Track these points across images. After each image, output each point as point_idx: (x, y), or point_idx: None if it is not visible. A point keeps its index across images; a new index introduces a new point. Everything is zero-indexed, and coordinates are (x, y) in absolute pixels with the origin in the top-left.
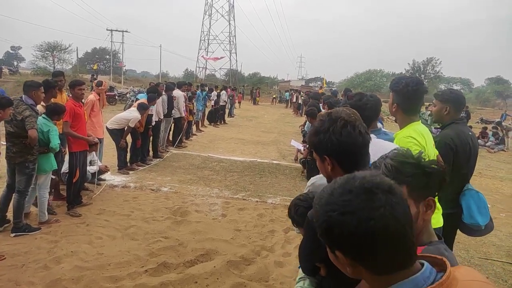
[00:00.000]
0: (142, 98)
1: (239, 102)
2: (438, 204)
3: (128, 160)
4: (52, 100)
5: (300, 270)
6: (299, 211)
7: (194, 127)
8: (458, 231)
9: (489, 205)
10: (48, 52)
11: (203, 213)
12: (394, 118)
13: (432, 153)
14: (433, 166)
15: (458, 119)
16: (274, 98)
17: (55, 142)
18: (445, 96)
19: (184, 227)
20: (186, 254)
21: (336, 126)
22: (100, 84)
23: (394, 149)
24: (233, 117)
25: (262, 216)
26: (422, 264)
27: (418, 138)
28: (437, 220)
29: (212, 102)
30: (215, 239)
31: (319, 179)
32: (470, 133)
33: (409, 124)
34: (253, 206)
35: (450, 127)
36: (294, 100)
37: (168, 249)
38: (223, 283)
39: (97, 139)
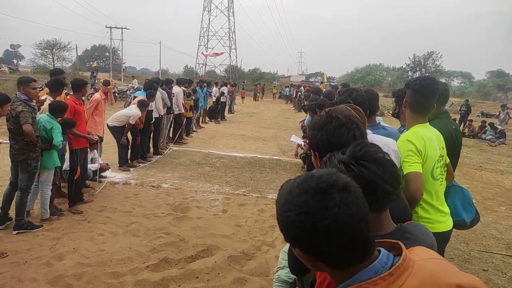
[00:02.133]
0: (140, 96)
1: (243, 97)
2: (446, 208)
3: (128, 157)
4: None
5: (280, 259)
6: None
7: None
8: None
9: (489, 198)
10: (47, 50)
11: (204, 209)
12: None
13: (434, 156)
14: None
15: (441, 113)
16: (275, 93)
17: (58, 139)
18: None
19: (185, 223)
20: (187, 250)
21: (330, 125)
22: (107, 83)
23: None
24: (233, 113)
25: (262, 211)
26: (379, 251)
27: (416, 143)
28: (444, 223)
29: (214, 99)
30: (216, 234)
31: None
32: (454, 126)
33: (414, 126)
34: (253, 202)
35: (433, 122)
36: (294, 95)
37: (170, 245)
38: (224, 278)
39: (97, 137)
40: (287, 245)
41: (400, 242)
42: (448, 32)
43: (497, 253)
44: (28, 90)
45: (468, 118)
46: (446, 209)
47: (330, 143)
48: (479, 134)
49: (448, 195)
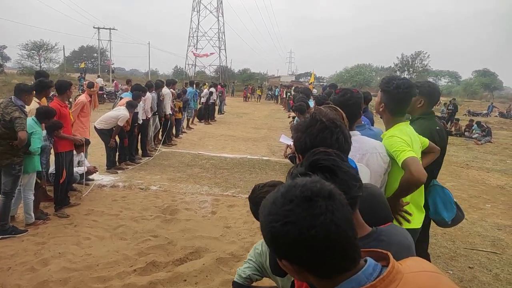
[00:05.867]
0: (126, 97)
1: (245, 97)
2: (422, 207)
3: (116, 159)
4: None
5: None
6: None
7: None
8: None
9: (475, 196)
10: (34, 51)
11: (192, 211)
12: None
13: (418, 152)
14: None
15: (426, 113)
16: (260, 95)
17: (34, 145)
18: (422, 89)
19: (174, 225)
20: (175, 253)
21: (313, 128)
22: (91, 85)
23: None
24: (223, 114)
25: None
26: (366, 261)
27: (403, 137)
28: (417, 221)
29: (203, 99)
30: (205, 236)
31: None
32: (437, 127)
33: (395, 125)
34: (242, 203)
35: (416, 123)
36: (284, 95)
37: (157, 248)
38: (212, 280)
39: (84, 139)
40: (258, 242)
41: (389, 253)
42: (436, 32)
43: (483, 250)
44: (31, 99)
45: (456, 117)
46: (422, 208)
47: (313, 146)
48: (466, 133)
49: (429, 195)
